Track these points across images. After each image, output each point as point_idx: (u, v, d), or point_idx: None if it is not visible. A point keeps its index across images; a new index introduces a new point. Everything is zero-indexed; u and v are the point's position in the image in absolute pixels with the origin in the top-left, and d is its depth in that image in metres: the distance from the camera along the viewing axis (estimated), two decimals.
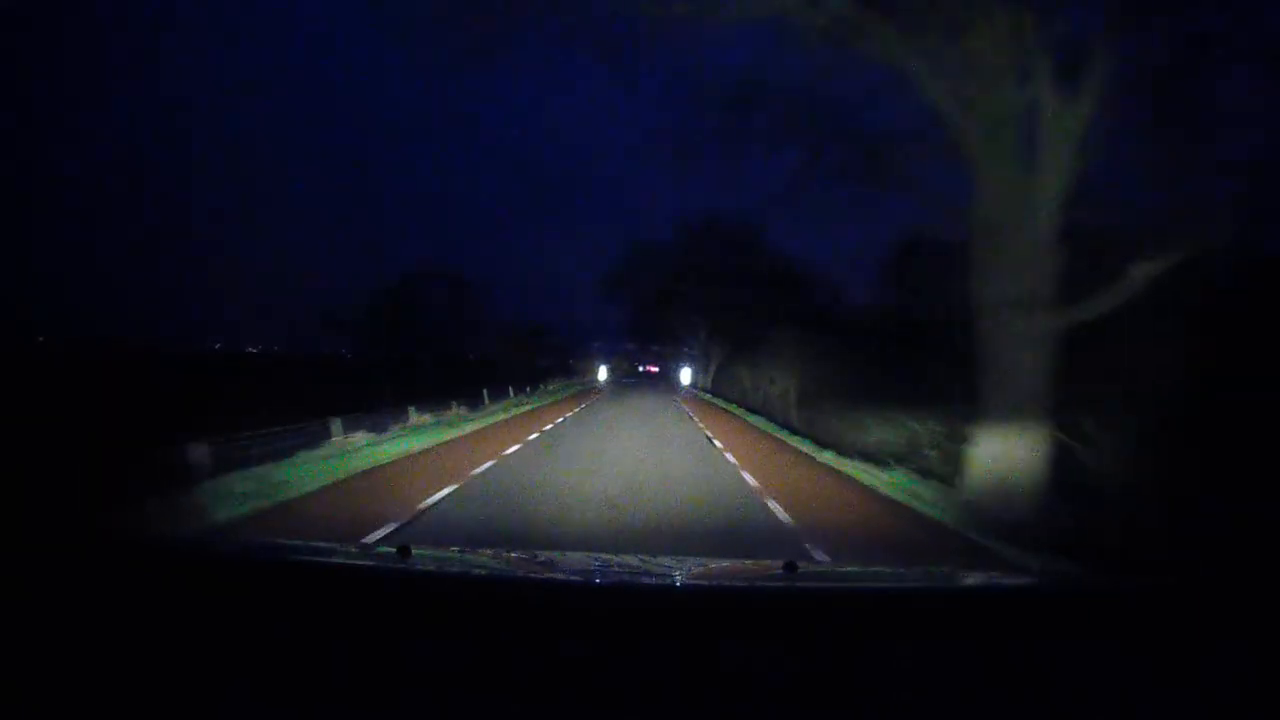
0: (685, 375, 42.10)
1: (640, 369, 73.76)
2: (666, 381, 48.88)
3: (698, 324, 36.59)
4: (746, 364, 23.52)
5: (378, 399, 14.07)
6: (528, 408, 20.17)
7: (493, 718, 0.95)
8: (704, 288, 34.29)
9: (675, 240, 37.01)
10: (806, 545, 4.90)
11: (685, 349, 42.73)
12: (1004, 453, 5.69)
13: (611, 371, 62.10)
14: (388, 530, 5.15)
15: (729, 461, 9.47)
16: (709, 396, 30.92)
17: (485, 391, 19.74)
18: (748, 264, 33.82)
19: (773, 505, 6.43)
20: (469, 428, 13.57)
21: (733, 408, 23.54)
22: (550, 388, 30.42)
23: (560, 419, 16.06)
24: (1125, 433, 5.94)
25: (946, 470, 7.66)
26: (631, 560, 1.83)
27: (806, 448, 11.61)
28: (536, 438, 11.91)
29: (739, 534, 5.34)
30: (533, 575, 1.63)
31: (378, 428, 11.86)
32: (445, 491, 6.68)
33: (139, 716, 0.96)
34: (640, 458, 9.54)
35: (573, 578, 1.61)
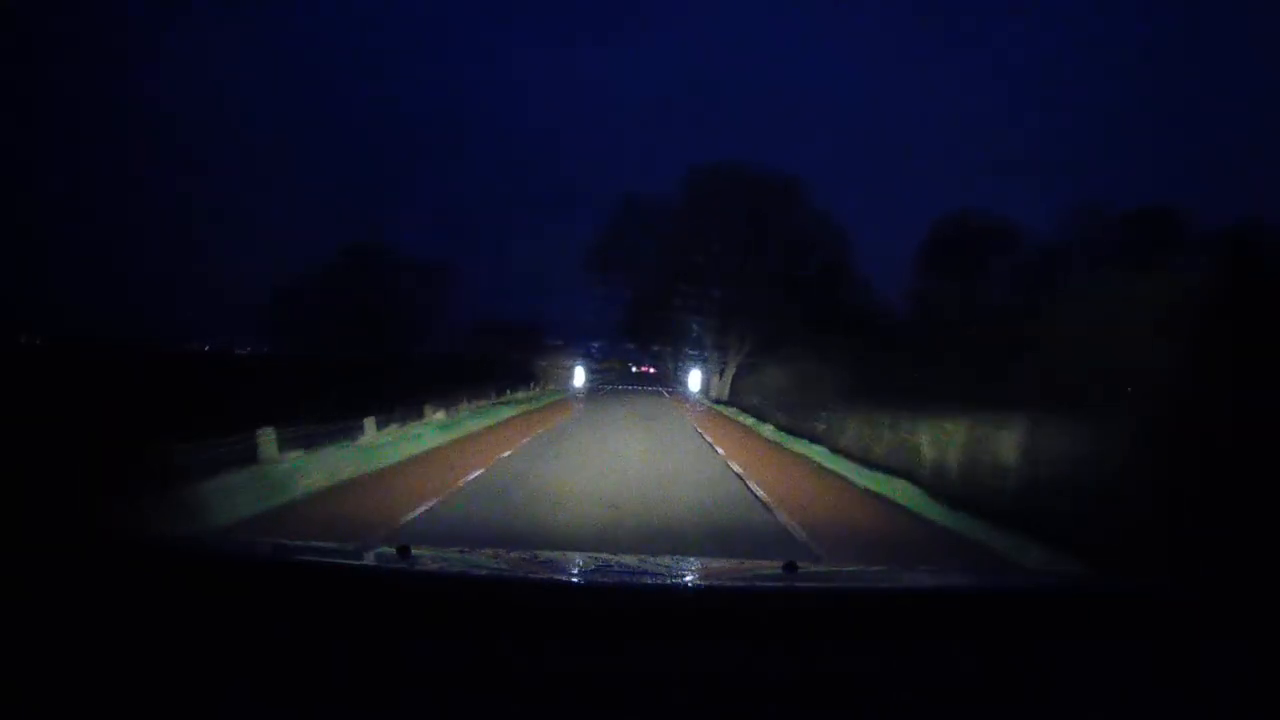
0: (695, 380, 32.17)
1: (634, 369, 70.19)
2: (667, 387, 38.61)
3: (709, 313, 27.61)
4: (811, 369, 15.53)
5: None
6: None
7: (493, 718, 0.96)
8: (720, 262, 26.10)
9: (683, 197, 27.62)
10: None
11: (691, 350, 34.17)
12: None
13: (597, 375, 51.17)
14: None
15: None
16: (765, 428, 16.17)
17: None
18: (781, 230, 25.81)
19: None
20: None
21: (810, 450, 11.41)
22: (438, 417, 13.78)
23: None
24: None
25: None
26: (631, 560, 1.85)
27: None
28: None
29: None
30: (533, 575, 1.64)
31: None
32: None
33: (141, 716, 0.97)
34: None
35: (573, 578, 1.62)
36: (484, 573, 1.60)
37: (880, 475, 8.35)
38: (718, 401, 26.25)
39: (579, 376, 33.71)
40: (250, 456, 7.28)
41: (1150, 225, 21.95)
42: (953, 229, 26.25)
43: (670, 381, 46.22)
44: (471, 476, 7.84)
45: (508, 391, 21.94)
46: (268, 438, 7.58)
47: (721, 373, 28.90)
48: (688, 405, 24.32)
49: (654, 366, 63.40)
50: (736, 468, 9.03)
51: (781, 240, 26.41)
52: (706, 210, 26.68)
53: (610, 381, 46.95)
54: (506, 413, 17.92)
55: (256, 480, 6.68)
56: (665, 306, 28.08)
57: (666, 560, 1.95)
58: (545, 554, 2.02)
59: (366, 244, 33.15)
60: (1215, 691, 1.05)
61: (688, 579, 1.65)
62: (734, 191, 26.26)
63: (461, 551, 1.96)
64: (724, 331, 27.99)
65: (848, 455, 10.04)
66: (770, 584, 1.51)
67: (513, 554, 1.92)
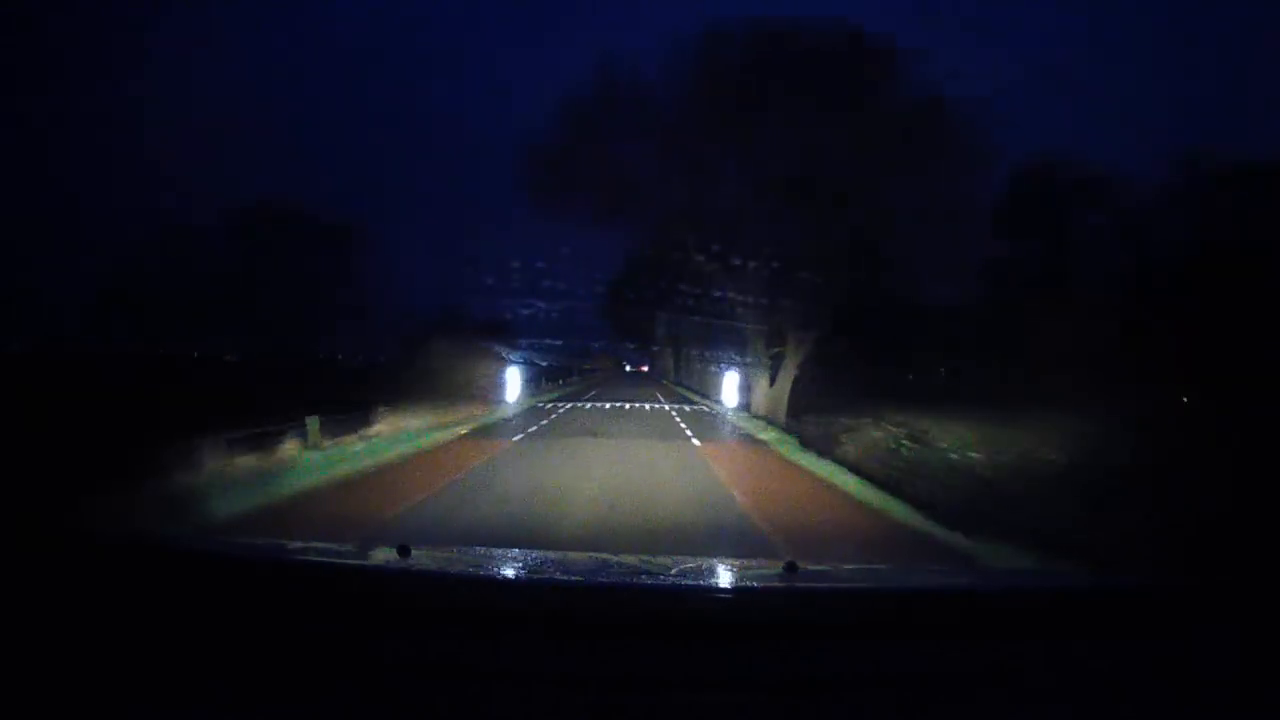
0: (730, 387, 19.97)
1: (628, 368, 66.31)
2: (675, 400, 24.75)
3: (746, 277, 15.74)
4: None
5: None
6: None
7: (494, 716, 0.97)
8: (763, 189, 15.01)
9: (695, 81, 15.50)
10: None
11: (700, 349, 25.94)
12: None
13: (578, 379, 39.73)
14: None
15: None
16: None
17: None
18: (875, 128, 14.07)
19: None
20: None
21: None
22: None
23: None
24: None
25: None
26: (631, 560, 1.84)
27: None
28: None
29: None
30: (533, 575, 1.62)
31: None
32: None
33: (143, 716, 0.97)
34: None
35: (573, 578, 1.58)
36: (483, 572, 1.61)
37: None
38: (781, 427, 13.76)
39: (511, 390, 18.85)
40: None
41: (1267, 179, 16.27)
42: (1041, 180, 19.73)
43: (680, 389, 34.67)
44: None
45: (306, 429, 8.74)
46: None
47: (773, 376, 17.23)
48: (738, 451, 11.08)
49: (650, 364, 57.23)
50: None
51: (875, 148, 14.23)
52: (735, 100, 14.63)
53: (593, 388, 32.76)
54: None
55: None
56: (668, 266, 17.44)
57: (667, 561, 1.90)
58: (546, 554, 1.99)
59: (264, 205, 22.58)
60: (1214, 690, 1.05)
61: (688, 579, 1.63)
62: (784, 66, 14.51)
63: (461, 551, 2.07)
64: (772, 309, 16.28)
65: None
66: (770, 584, 1.53)
67: (513, 554, 1.98)
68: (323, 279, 23.92)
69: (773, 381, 17.64)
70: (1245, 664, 1.09)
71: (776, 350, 17.83)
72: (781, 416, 16.09)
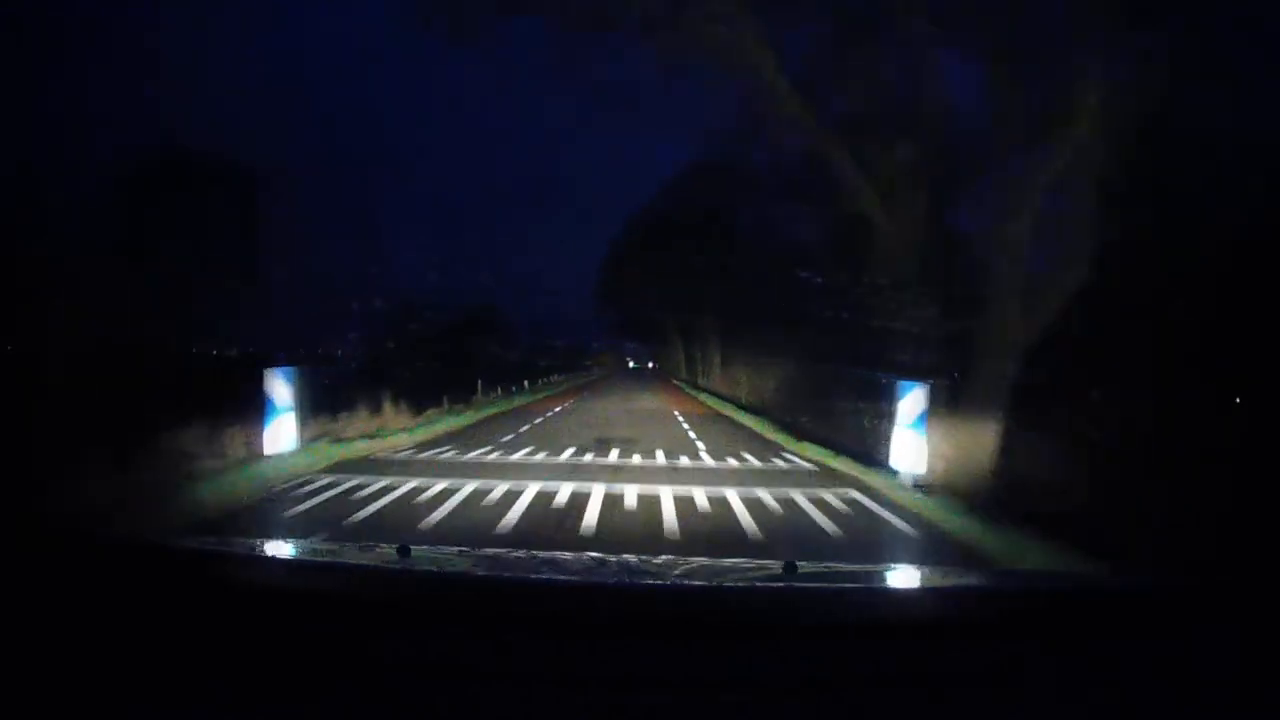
0: (906, 422, 7.46)
1: (631, 364, 63.74)
2: (700, 412, 17.13)
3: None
4: None
5: None
6: None
7: (493, 716, 0.97)
8: None
9: None
10: None
11: (706, 343, 20.08)
12: None
13: (542, 379, 30.66)
14: None
15: None
16: None
17: None
18: None
19: None
20: None
21: None
22: None
23: None
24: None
25: None
26: (631, 560, 1.86)
27: None
28: None
29: None
30: (533, 575, 1.62)
31: None
32: None
33: (143, 716, 0.98)
34: None
35: (573, 578, 1.58)
36: (484, 572, 1.63)
37: None
38: None
39: (280, 419, 7.95)
40: None
41: None
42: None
43: (705, 397, 24.77)
44: None
45: None
46: None
47: (951, 392, 8.08)
48: None
49: (656, 362, 51.50)
50: None
51: None
52: None
53: (560, 403, 22.33)
54: None
55: None
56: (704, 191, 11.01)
57: (667, 561, 1.94)
58: (545, 554, 2.05)
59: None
60: (1215, 691, 1.05)
61: (689, 580, 1.64)
62: None
63: (461, 552, 2.04)
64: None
65: None
66: (770, 584, 1.54)
67: (513, 555, 2.03)
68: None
69: (955, 402, 8.08)
70: (1245, 664, 1.10)
71: (951, 328, 8.33)
72: (984, 482, 6.54)
